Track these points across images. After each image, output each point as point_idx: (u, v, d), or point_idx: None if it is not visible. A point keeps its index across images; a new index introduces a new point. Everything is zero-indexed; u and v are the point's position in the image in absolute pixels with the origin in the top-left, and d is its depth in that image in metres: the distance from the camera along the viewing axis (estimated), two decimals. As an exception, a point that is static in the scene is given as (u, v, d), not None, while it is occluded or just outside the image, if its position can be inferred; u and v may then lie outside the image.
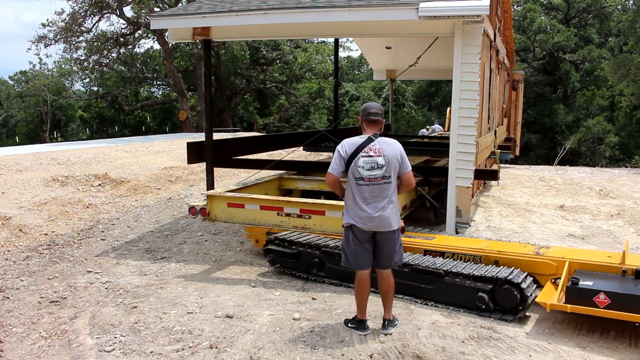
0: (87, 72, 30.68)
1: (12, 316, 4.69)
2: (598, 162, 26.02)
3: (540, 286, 4.79)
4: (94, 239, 7.34)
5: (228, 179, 11.99)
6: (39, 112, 31.37)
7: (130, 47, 28.92)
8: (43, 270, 6.02)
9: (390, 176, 4.05)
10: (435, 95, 35.04)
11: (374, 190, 4.02)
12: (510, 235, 7.02)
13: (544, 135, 29.47)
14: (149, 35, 27.48)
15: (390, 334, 4.15)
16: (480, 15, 5.78)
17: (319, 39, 32.01)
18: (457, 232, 6.41)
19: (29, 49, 41.07)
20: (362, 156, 4.03)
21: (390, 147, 4.08)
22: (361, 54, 26.24)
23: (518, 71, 15.00)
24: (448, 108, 15.64)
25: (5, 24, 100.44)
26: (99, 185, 10.02)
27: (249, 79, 32.65)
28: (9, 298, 5.14)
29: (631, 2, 28.97)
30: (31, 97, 31.57)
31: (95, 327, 4.42)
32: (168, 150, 14.07)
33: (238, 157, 8.32)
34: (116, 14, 26.27)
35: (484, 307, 4.53)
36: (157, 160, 12.63)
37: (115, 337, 4.20)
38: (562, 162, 21.38)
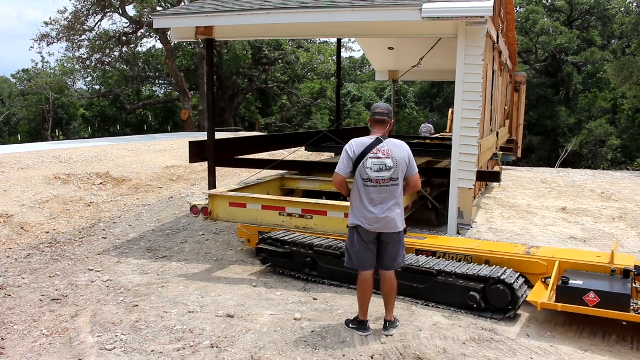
0: (89, 70, 30.72)
1: (14, 314, 4.70)
2: (600, 165, 25.94)
3: (531, 286, 4.84)
4: (95, 237, 7.34)
5: (230, 178, 11.99)
6: (41, 110, 31.35)
7: (133, 46, 28.95)
8: (44, 268, 6.03)
9: (398, 178, 4.05)
10: (438, 97, 34.96)
11: (381, 192, 4.02)
12: (511, 237, 7.01)
13: (546, 138, 29.39)
14: (152, 34, 27.48)
15: (392, 335, 4.15)
16: (484, 17, 5.77)
17: (322, 39, 32.07)
18: (458, 234, 6.41)
19: (31, 47, 40.78)
20: (370, 157, 4.01)
21: (398, 149, 4.07)
22: (363, 54, 26.20)
23: (520, 73, 14.98)
24: (450, 109, 15.62)
25: (8, 22, 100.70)
26: (101, 183, 10.03)
27: (251, 79, 32.62)
28: (10, 296, 5.14)
29: (634, 4, 28.86)
30: (33, 96, 31.57)
31: (96, 325, 4.43)
32: (170, 150, 14.07)
33: (240, 157, 8.32)
34: (119, 13, 26.30)
35: (475, 306, 4.56)
36: (159, 159, 12.64)
37: (117, 336, 4.20)
38: (564, 165, 21.29)
